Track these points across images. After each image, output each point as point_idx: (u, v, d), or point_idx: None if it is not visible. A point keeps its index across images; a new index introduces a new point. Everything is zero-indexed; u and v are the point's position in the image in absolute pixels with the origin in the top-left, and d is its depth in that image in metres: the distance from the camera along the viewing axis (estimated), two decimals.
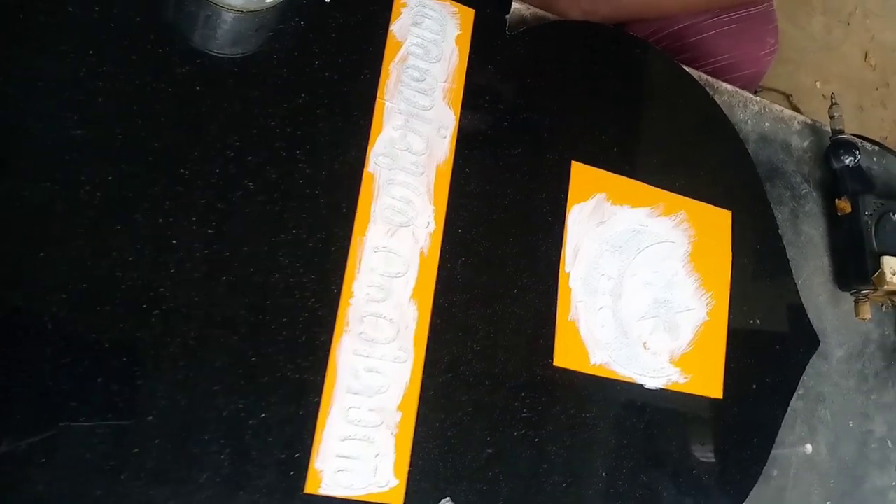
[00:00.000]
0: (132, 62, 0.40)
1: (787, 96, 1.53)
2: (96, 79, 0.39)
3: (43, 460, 0.34)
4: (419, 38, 0.48)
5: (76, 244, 0.37)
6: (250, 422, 0.39)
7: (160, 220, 0.39)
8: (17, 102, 0.37)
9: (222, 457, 0.38)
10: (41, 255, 0.36)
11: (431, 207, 0.46)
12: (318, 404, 0.41)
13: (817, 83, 1.61)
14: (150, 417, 0.37)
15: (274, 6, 0.43)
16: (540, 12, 0.56)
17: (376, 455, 0.41)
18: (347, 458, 0.41)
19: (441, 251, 0.46)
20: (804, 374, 0.59)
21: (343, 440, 0.41)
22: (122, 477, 0.36)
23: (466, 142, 0.48)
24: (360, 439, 0.41)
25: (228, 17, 0.43)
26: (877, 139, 0.72)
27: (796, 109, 1.49)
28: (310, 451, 0.40)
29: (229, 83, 0.42)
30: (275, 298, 0.41)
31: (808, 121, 0.68)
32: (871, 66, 1.72)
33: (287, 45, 0.44)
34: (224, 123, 0.41)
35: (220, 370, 0.39)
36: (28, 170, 0.36)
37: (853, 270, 0.63)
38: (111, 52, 0.39)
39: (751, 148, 0.63)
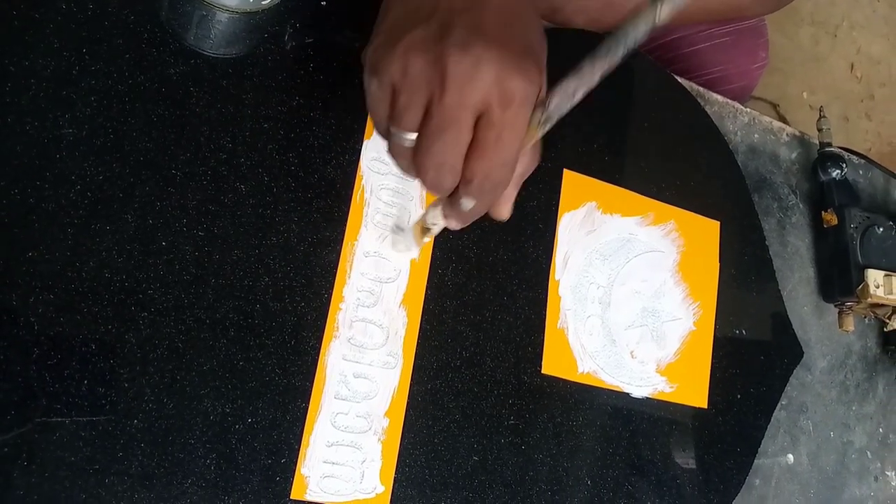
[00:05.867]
0: (125, 61, 0.39)
1: (775, 106, 1.55)
2: (88, 77, 0.38)
3: (24, 463, 0.34)
4: None
5: (65, 244, 0.36)
6: (237, 426, 0.39)
7: (150, 220, 0.38)
8: (7, 99, 0.36)
9: (208, 461, 0.38)
10: (29, 254, 0.36)
11: (423, 213, 0.46)
12: (305, 409, 0.40)
13: (804, 93, 1.63)
14: (136, 420, 0.36)
15: (270, 7, 0.43)
16: None
17: (363, 461, 0.41)
18: (334, 464, 0.41)
19: (432, 257, 0.46)
20: (787, 385, 0.60)
21: (330, 446, 0.41)
22: (106, 480, 0.35)
23: None
24: (347, 445, 0.41)
25: (223, 17, 0.42)
26: (862, 151, 0.73)
27: (783, 119, 1.51)
28: (296, 457, 0.40)
29: (223, 84, 0.41)
30: (264, 302, 0.40)
31: (797, 133, 0.69)
32: (856, 77, 1.75)
33: (282, 48, 0.43)
34: (216, 125, 0.41)
35: (208, 374, 0.38)
36: (18, 168, 0.36)
37: (838, 282, 0.64)
38: (104, 50, 0.39)
39: (740, 159, 0.63)
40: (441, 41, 0.31)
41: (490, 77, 0.31)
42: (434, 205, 0.38)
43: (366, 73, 0.34)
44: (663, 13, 0.29)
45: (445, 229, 0.39)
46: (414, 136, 0.33)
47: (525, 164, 0.36)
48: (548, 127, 0.34)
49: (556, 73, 0.34)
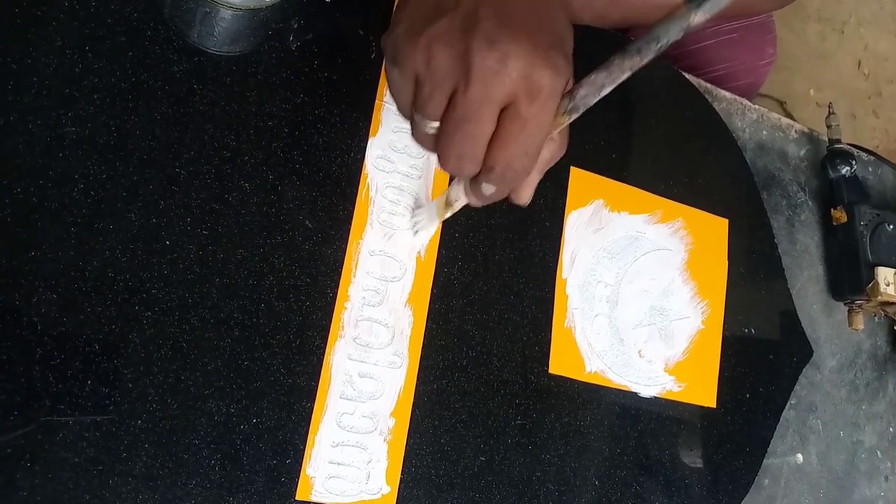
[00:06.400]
0: (128, 59, 0.39)
1: (781, 103, 1.54)
2: (91, 75, 0.38)
3: (28, 463, 0.34)
4: None
5: (68, 243, 0.36)
6: (242, 427, 0.38)
7: (153, 219, 0.38)
8: (10, 97, 0.36)
9: (212, 462, 0.37)
10: (32, 253, 0.35)
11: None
12: (310, 409, 0.40)
13: (811, 91, 1.62)
14: (140, 421, 0.36)
15: (273, 5, 0.43)
16: None
17: (368, 462, 0.41)
18: (339, 464, 0.40)
19: (438, 256, 0.45)
20: (796, 384, 0.59)
21: (335, 446, 0.40)
22: (110, 481, 0.35)
23: None
24: (352, 446, 0.41)
25: (227, 14, 0.42)
26: (870, 148, 0.72)
27: (790, 116, 1.50)
28: (301, 458, 0.39)
29: (226, 82, 0.41)
30: (269, 302, 0.40)
31: (805, 129, 0.68)
32: (864, 74, 1.73)
33: (286, 45, 0.43)
34: (220, 123, 0.40)
35: (212, 374, 0.38)
36: (21, 167, 0.36)
37: (847, 280, 0.63)
38: (107, 48, 0.38)
39: (748, 156, 0.63)
40: (467, 34, 0.30)
41: (517, 72, 0.30)
42: (458, 180, 0.38)
43: (387, 60, 0.33)
44: (698, 17, 0.28)
45: (466, 207, 0.39)
46: (437, 124, 0.33)
47: (552, 151, 0.35)
48: (574, 117, 0.33)
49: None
